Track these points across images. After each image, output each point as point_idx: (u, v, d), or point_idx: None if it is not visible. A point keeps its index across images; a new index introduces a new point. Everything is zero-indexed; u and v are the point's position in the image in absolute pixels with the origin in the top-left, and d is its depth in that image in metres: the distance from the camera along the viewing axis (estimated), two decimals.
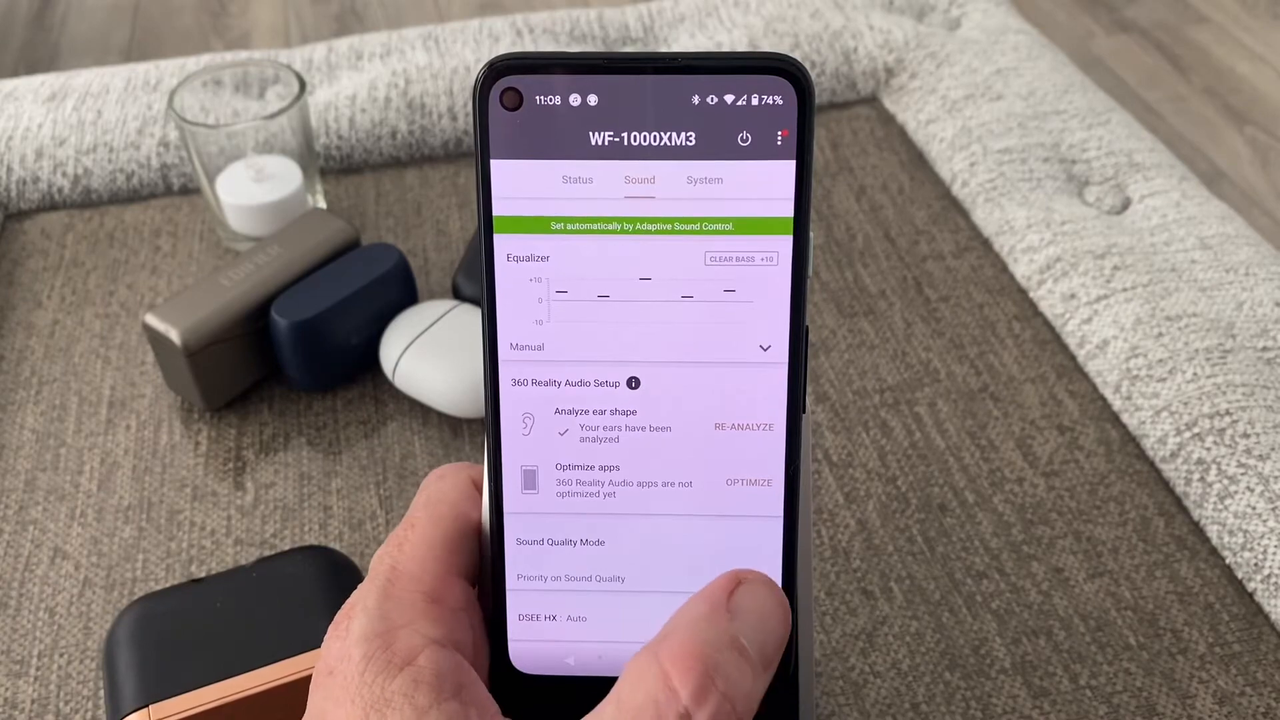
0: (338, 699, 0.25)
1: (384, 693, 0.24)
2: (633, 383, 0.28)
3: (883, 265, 0.60)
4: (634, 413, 0.28)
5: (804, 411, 0.28)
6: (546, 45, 0.73)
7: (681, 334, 0.27)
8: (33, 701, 0.42)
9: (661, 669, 0.24)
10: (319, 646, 0.32)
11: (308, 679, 0.35)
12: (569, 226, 0.27)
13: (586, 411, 0.28)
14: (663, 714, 0.23)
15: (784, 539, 0.28)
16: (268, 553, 0.47)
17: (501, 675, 0.29)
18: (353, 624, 0.26)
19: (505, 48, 0.73)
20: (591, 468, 0.28)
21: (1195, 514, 0.47)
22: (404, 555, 0.27)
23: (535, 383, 0.28)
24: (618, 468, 0.28)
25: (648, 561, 0.28)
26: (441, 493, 0.29)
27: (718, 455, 0.28)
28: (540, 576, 0.28)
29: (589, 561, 0.28)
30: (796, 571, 0.29)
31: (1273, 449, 0.47)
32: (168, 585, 0.46)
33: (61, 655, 0.44)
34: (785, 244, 0.27)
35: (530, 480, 0.28)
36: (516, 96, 0.26)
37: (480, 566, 0.29)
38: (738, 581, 0.26)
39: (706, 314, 0.27)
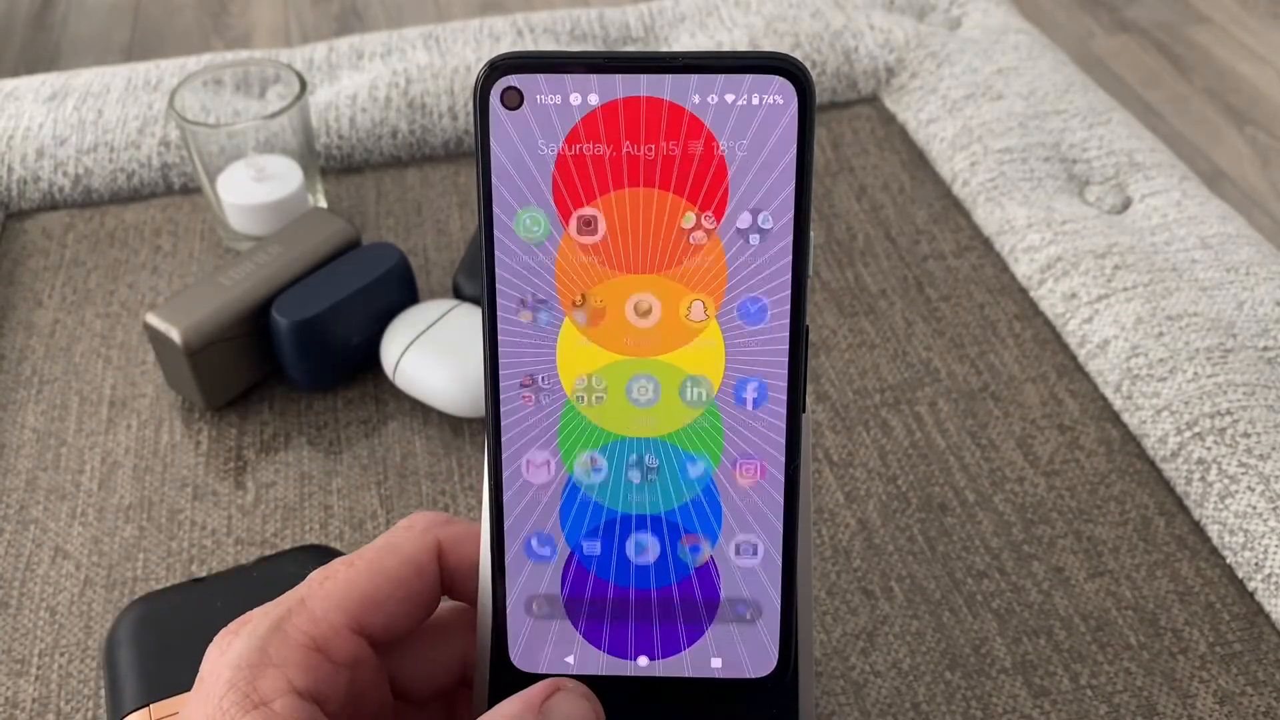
0: (196, 708, 0.25)
1: None
2: None
3: (883, 265, 0.60)
4: None
5: (804, 411, 0.28)
6: (547, 45, 0.74)
7: None
8: (33, 701, 0.42)
9: None
10: None
11: None
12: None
13: None
14: None
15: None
16: (268, 552, 0.47)
17: (501, 675, 0.29)
18: (235, 642, 0.26)
19: (506, 47, 0.73)
20: None
21: (1196, 513, 0.47)
22: (319, 591, 0.27)
23: None
24: None
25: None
26: (399, 544, 0.28)
27: None
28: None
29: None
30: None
31: (1273, 448, 0.47)
32: (168, 585, 0.46)
33: (62, 654, 0.44)
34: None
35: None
36: (517, 95, 0.26)
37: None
38: (556, 689, 0.26)
39: None
